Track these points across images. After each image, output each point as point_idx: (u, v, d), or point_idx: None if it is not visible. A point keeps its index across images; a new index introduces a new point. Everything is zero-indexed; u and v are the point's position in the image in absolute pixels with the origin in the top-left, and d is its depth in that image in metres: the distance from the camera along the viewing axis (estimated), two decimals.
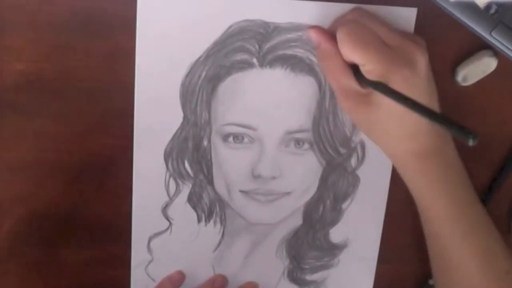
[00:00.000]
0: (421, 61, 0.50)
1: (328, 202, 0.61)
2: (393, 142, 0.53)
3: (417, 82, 0.49)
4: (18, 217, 0.59)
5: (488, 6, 0.51)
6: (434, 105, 0.52)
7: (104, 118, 0.57)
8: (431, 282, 0.64)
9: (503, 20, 0.51)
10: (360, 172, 0.60)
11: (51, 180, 0.59)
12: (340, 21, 0.53)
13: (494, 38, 0.51)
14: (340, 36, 0.50)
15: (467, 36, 0.53)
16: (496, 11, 0.51)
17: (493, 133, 0.61)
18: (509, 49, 0.51)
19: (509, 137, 0.61)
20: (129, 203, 0.60)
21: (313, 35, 0.53)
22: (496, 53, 0.56)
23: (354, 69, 0.51)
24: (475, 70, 0.57)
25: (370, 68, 0.49)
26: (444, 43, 0.57)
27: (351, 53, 0.49)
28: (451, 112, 0.59)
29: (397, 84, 0.48)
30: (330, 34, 0.52)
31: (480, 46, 0.57)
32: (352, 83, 0.51)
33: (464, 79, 0.57)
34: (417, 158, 0.52)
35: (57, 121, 0.57)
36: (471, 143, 0.38)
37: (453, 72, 0.58)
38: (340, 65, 0.51)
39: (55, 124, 0.57)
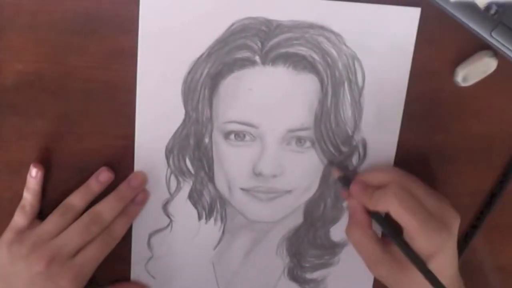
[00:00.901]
0: (456, 224, 0.53)
1: (329, 200, 0.61)
2: None
3: (452, 252, 0.53)
4: None
5: (488, 7, 0.51)
6: (456, 272, 0.55)
7: (104, 118, 0.57)
8: None
9: (503, 21, 0.51)
10: (361, 171, 0.60)
11: (51, 180, 0.59)
12: (382, 179, 0.55)
13: (494, 39, 0.51)
14: (391, 200, 0.52)
15: (467, 36, 0.53)
16: (496, 12, 0.51)
17: (493, 134, 0.61)
18: (509, 49, 0.52)
19: (509, 137, 0.61)
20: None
21: (351, 203, 0.56)
22: (496, 53, 0.56)
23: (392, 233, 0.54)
24: (475, 71, 0.57)
25: (412, 234, 0.52)
26: (445, 43, 0.57)
27: (399, 218, 0.52)
28: (452, 113, 0.59)
29: (440, 259, 0.51)
30: (363, 207, 0.55)
31: (481, 46, 0.57)
32: (381, 251, 0.54)
33: (464, 79, 0.57)
34: None
35: (57, 121, 0.57)
36: None
37: (453, 72, 0.58)
38: (371, 236, 0.55)
39: (55, 124, 0.57)
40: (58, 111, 0.56)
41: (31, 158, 0.57)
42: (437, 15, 0.54)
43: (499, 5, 0.51)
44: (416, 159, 0.60)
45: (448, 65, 0.58)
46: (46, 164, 0.58)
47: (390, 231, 0.53)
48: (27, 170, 0.57)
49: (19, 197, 0.58)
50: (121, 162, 0.58)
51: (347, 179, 0.57)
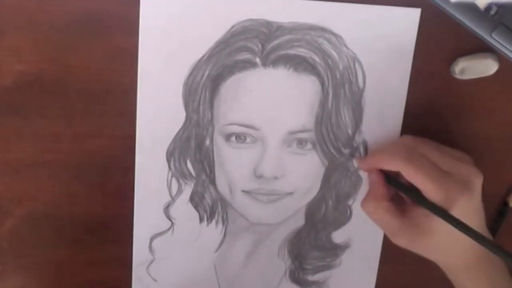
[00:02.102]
0: (478, 183, 0.53)
1: (330, 202, 0.61)
2: (445, 256, 0.55)
3: (473, 207, 0.52)
4: (18, 217, 0.59)
5: (488, 7, 0.51)
6: (483, 225, 0.54)
7: (103, 118, 0.57)
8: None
9: (503, 21, 0.51)
10: (362, 172, 0.60)
11: (51, 180, 0.58)
12: (392, 148, 0.55)
13: (494, 39, 0.51)
14: (401, 164, 0.52)
15: (468, 36, 0.54)
16: (497, 12, 0.51)
17: (493, 134, 0.61)
18: (509, 50, 0.52)
19: (509, 138, 0.61)
20: (130, 204, 0.59)
21: (371, 177, 0.57)
22: (499, 59, 0.56)
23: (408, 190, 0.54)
24: (475, 67, 0.57)
25: (431, 198, 0.51)
26: (444, 43, 0.57)
27: (414, 179, 0.52)
28: (452, 113, 0.59)
29: (455, 211, 0.50)
30: (382, 180, 0.55)
31: (480, 47, 0.57)
32: (399, 221, 0.54)
33: (462, 71, 0.57)
34: (468, 269, 0.55)
35: (57, 121, 0.57)
36: None
37: (452, 62, 0.58)
38: (388, 207, 0.54)
39: (55, 124, 0.57)
40: (58, 111, 0.56)
41: (31, 158, 0.57)
42: (437, 16, 0.54)
43: (499, 6, 0.51)
44: None
45: (448, 65, 0.58)
46: (46, 164, 0.58)
47: (408, 191, 0.53)
48: (27, 170, 0.57)
49: (19, 197, 0.58)
50: (121, 162, 0.58)
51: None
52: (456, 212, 0.50)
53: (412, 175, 0.52)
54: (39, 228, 0.60)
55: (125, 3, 0.53)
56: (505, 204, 0.63)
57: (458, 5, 0.51)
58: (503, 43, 0.51)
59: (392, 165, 0.53)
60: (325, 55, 0.56)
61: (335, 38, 0.55)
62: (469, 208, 0.52)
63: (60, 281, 0.62)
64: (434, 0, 0.51)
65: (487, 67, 0.57)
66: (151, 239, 0.60)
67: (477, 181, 0.53)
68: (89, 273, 0.62)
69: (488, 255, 0.54)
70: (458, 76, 0.57)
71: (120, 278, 0.62)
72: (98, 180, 0.59)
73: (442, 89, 0.58)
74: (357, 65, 0.56)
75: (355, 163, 0.59)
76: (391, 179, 0.55)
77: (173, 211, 0.60)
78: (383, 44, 0.56)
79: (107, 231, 0.60)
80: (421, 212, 0.53)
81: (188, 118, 0.56)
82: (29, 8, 0.53)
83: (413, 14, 0.55)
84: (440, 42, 0.57)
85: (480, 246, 0.50)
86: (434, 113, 0.59)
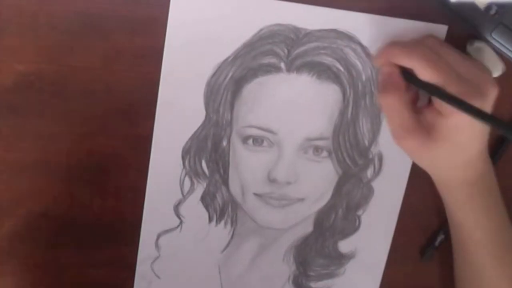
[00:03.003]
0: (493, 93, 0.51)
1: (340, 211, 0.61)
2: (445, 170, 0.55)
3: None
4: (18, 217, 0.58)
5: (488, 7, 0.51)
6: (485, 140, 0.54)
7: (103, 118, 0.56)
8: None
9: (503, 21, 0.51)
10: (375, 184, 0.60)
11: (51, 180, 0.58)
12: (411, 45, 0.52)
13: (494, 39, 0.52)
14: (416, 62, 0.50)
15: None
16: (496, 12, 0.51)
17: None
18: (509, 49, 0.52)
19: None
20: (130, 204, 0.59)
21: (386, 69, 0.53)
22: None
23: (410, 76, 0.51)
24: (484, 58, 0.55)
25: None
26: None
27: (429, 76, 0.50)
28: None
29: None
30: (399, 71, 0.52)
31: None
32: (414, 120, 0.52)
33: (476, 50, 0.55)
34: (465, 184, 0.55)
35: (57, 121, 0.56)
36: None
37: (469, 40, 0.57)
38: (406, 101, 0.52)
39: (55, 124, 0.56)
40: (58, 111, 0.56)
41: (31, 158, 0.57)
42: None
43: (499, 6, 0.51)
44: None
45: None
46: (46, 164, 0.57)
47: (427, 85, 0.50)
48: (27, 170, 0.57)
49: (19, 197, 0.57)
50: (121, 162, 0.58)
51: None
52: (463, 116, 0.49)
53: (427, 74, 0.49)
54: (39, 228, 0.59)
55: (125, 3, 0.53)
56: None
57: (458, 5, 0.51)
58: (503, 43, 0.52)
59: (408, 61, 0.51)
60: (349, 65, 0.56)
61: (361, 48, 0.55)
62: (479, 127, 0.51)
63: (60, 281, 0.61)
64: (434, 0, 0.52)
65: (493, 66, 0.55)
66: (158, 236, 0.60)
67: (492, 92, 0.51)
68: (88, 275, 0.61)
69: (486, 176, 0.55)
70: (472, 53, 0.56)
71: (120, 280, 0.61)
72: (98, 180, 0.58)
73: None
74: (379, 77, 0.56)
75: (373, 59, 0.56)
76: (407, 74, 0.52)
77: (183, 209, 0.59)
78: None
79: (107, 231, 0.60)
80: (436, 114, 0.51)
81: (207, 117, 0.56)
82: (29, 8, 0.52)
83: (440, 30, 0.56)
84: None
85: (477, 162, 0.52)
86: None
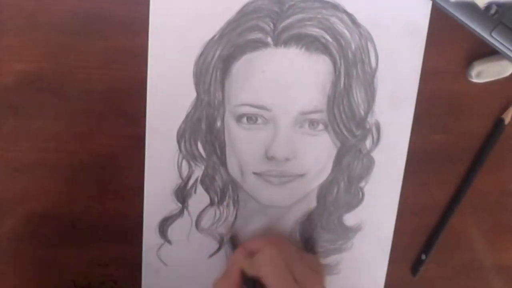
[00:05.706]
0: None
1: (342, 184, 0.60)
2: None
3: None
4: (18, 217, 0.59)
5: (488, 7, 0.51)
6: None
7: (104, 118, 0.56)
8: (423, 257, 0.64)
9: (503, 21, 0.51)
10: (375, 154, 0.59)
11: (51, 180, 0.58)
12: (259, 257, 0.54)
13: (494, 39, 0.52)
14: (262, 268, 0.52)
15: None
16: (496, 12, 0.51)
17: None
18: (509, 49, 0.52)
19: (510, 138, 0.61)
20: (131, 203, 0.59)
21: (232, 268, 0.55)
22: None
23: None
24: (491, 69, 0.57)
25: None
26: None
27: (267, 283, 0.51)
28: (452, 113, 0.59)
29: None
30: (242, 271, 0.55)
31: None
32: None
33: (478, 74, 0.57)
34: None
35: (57, 121, 0.56)
36: None
37: (468, 66, 0.57)
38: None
39: (55, 124, 0.56)
40: (58, 111, 0.56)
41: (31, 158, 0.57)
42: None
43: (499, 5, 0.51)
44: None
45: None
46: (46, 164, 0.57)
47: None
48: (27, 170, 0.57)
49: (19, 197, 0.58)
50: (121, 162, 0.58)
51: (235, 242, 0.59)
52: None
53: (269, 280, 0.51)
54: (39, 228, 0.60)
55: (124, 3, 0.53)
56: (501, 120, 0.61)
57: (458, 5, 0.51)
58: (503, 43, 0.52)
59: (255, 271, 0.53)
60: (337, 34, 0.55)
61: (348, 16, 0.55)
62: None
63: (61, 281, 0.62)
64: (435, 0, 0.51)
65: (503, 68, 0.57)
66: (161, 222, 0.60)
67: None
68: (88, 274, 0.62)
69: None
70: (475, 80, 0.57)
71: (122, 278, 0.62)
72: (98, 180, 0.59)
73: (442, 89, 0.58)
74: (369, 45, 0.56)
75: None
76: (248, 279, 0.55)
77: (183, 194, 0.59)
78: (396, 23, 0.56)
79: (108, 230, 0.60)
80: None
81: (198, 98, 0.56)
82: (29, 8, 0.53)
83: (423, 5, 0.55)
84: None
85: None
86: (434, 111, 0.59)
